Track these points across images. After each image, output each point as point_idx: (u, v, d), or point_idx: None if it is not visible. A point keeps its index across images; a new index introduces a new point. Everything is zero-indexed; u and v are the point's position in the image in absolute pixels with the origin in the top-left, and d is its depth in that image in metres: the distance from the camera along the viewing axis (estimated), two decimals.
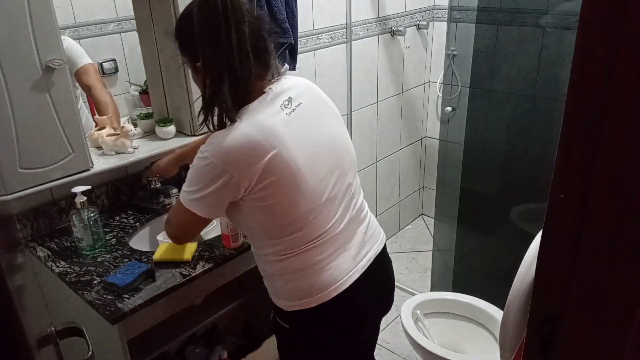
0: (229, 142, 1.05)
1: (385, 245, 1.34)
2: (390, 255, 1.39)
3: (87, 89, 1.73)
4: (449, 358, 1.70)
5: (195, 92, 1.71)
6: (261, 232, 1.16)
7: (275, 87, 1.14)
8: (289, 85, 1.16)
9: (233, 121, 1.08)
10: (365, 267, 1.23)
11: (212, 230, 1.62)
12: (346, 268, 1.19)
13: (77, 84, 1.71)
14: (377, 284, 1.30)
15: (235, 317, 2.04)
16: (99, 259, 1.45)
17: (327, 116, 1.21)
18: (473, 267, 2.51)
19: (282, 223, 1.12)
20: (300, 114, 1.13)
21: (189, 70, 1.21)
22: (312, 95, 1.20)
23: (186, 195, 1.12)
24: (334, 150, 1.18)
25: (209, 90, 1.09)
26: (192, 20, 1.07)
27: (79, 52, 1.71)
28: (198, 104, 1.71)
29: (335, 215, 1.17)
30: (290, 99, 1.14)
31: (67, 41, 1.65)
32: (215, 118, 1.12)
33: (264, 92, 1.13)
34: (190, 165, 1.11)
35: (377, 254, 1.28)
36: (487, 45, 2.28)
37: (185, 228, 1.20)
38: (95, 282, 1.35)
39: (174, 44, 1.16)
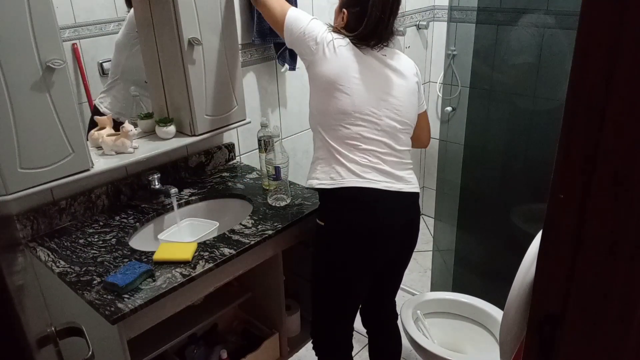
0: (337, 39, 1.48)
1: (417, 195, 1.57)
2: None
3: None
4: (448, 358, 1.71)
5: (196, 92, 1.71)
6: (318, 119, 1.51)
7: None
8: (392, 53, 1.57)
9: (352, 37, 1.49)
10: (389, 189, 1.48)
11: (212, 231, 1.63)
12: (375, 177, 1.48)
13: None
14: (403, 211, 1.54)
15: (235, 317, 2.04)
16: (99, 259, 1.45)
17: (406, 78, 1.53)
18: (473, 267, 2.51)
19: (331, 111, 1.46)
20: (384, 63, 1.50)
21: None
22: (405, 62, 1.56)
23: (295, 13, 1.53)
24: (396, 96, 1.49)
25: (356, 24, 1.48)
26: None
27: None
28: (198, 105, 1.72)
29: (374, 135, 1.47)
30: (385, 55, 1.52)
31: None
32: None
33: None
34: (317, 20, 1.52)
35: (402, 190, 1.51)
36: (487, 45, 2.28)
37: (275, 11, 1.57)
38: (95, 282, 1.35)
39: None
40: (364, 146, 1.47)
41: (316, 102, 1.51)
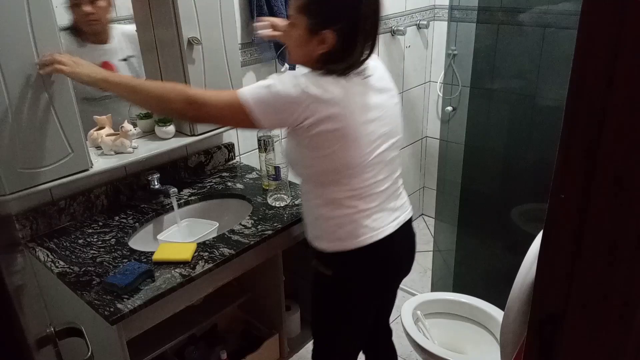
0: (326, 93, 1.17)
1: (411, 217, 1.47)
2: None
3: None
4: (449, 358, 1.70)
5: None
6: (318, 175, 1.29)
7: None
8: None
9: (330, 74, 1.20)
10: (397, 227, 1.37)
11: (212, 231, 1.62)
12: (386, 221, 1.34)
13: None
14: (405, 245, 1.46)
15: (235, 317, 2.04)
16: (98, 259, 1.45)
17: (390, 95, 1.35)
18: (473, 268, 2.51)
19: (338, 169, 1.25)
20: (371, 83, 1.27)
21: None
22: (379, 73, 1.33)
23: (250, 91, 1.19)
24: (391, 121, 1.32)
25: (336, 49, 1.20)
26: None
27: None
28: None
29: (380, 175, 1.31)
30: (366, 68, 1.27)
31: None
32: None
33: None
34: (275, 76, 1.21)
35: (406, 220, 1.42)
36: (488, 45, 2.28)
37: (225, 116, 1.24)
38: (94, 282, 1.34)
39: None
40: (372, 191, 1.30)
41: (316, 162, 1.26)
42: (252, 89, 1.20)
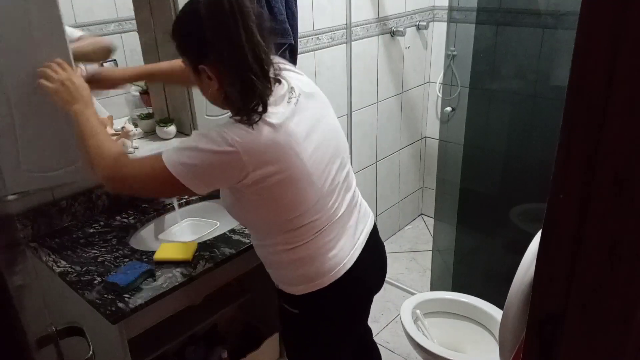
0: (258, 142, 1.05)
1: (375, 224, 1.39)
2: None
3: None
4: (448, 358, 1.70)
5: (196, 92, 1.71)
6: (272, 225, 1.18)
7: (280, 80, 1.15)
8: (287, 76, 1.18)
9: (254, 121, 1.06)
10: (363, 244, 1.30)
11: (213, 231, 1.63)
12: (349, 247, 1.25)
13: None
14: (374, 259, 1.37)
15: (235, 317, 2.04)
16: (100, 259, 1.45)
17: (325, 107, 1.24)
18: (473, 267, 2.51)
19: (294, 215, 1.14)
20: (303, 105, 1.15)
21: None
22: (309, 87, 1.22)
23: (176, 156, 1.06)
24: (333, 138, 1.22)
25: (230, 88, 1.07)
26: (200, 19, 1.03)
27: None
28: (198, 104, 1.72)
29: (337, 201, 1.22)
30: (292, 89, 1.15)
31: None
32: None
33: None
34: (198, 134, 1.08)
35: (369, 231, 1.34)
36: (487, 46, 2.28)
37: (154, 187, 1.13)
38: (96, 281, 1.35)
39: (172, 44, 1.13)
40: (331, 220, 1.20)
41: (268, 213, 1.15)
42: (176, 150, 1.07)
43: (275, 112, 1.09)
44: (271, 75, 1.11)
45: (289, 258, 1.21)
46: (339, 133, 1.25)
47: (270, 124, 1.07)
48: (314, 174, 1.13)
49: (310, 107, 1.17)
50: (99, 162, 1.15)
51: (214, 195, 1.83)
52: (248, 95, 1.06)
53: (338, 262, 1.23)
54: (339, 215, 1.23)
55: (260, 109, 1.06)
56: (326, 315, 1.29)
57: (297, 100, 1.14)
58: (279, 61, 1.19)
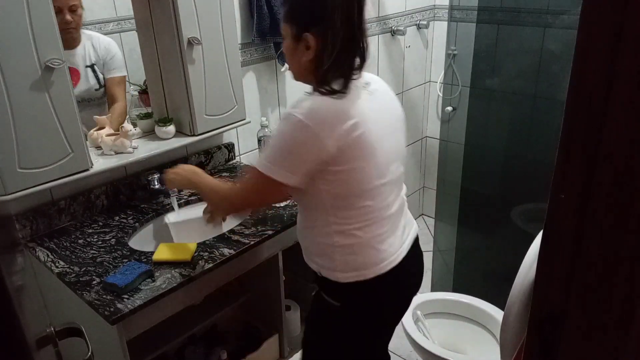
0: (320, 105, 1.09)
1: (417, 235, 1.41)
2: None
3: (111, 99, 1.75)
4: (449, 358, 1.70)
5: (196, 92, 1.71)
6: (329, 204, 1.19)
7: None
8: (364, 74, 1.23)
9: (335, 91, 1.10)
10: (408, 248, 1.32)
11: (212, 231, 1.62)
12: (397, 246, 1.27)
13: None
14: (416, 267, 1.40)
15: (235, 317, 2.04)
16: (99, 259, 1.45)
17: (396, 108, 1.29)
18: (473, 268, 2.51)
19: (354, 193, 1.17)
20: (378, 97, 1.21)
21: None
22: (384, 87, 1.28)
23: (263, 156, 1.14)
24: (397, 139, 1.26)
25: (331, 58, 1.11)
26: None
27: (119, 62, 1.75)
28: (198, 104, 1.72)
29: (391, 196, 1.24)
30: (368, 83, 1.21)
31: (113, 45, 1.70)
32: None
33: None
34: (276, 130, 1.13)
35: (414, 238, 1.37)
36: (488, 45, 2.28)
37: (261, 196, 1.22)
38: (94, 282, 1.34)
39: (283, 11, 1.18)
40: (384, 214, 1.23)
41: (330, 184, 1.16)
42: (262, 152, 1.16)
43: (353, 89, 1.14)
44: (357, 57, 1.16)
45: (341, 242, 1.22)
46: (403, 137, 1.29)
47: (349, 98, 1.11)
48: (379, 155, 1.16)
49: (386, 100, 1.24)
50: (223, 206, 1.31)
51: None
52: (340, 69, 1.12)
53: (386, 257, 1.24)
54: (391, 211, 1.25)
55: (342, 86, 1.11)
56: (368, 309, 1.29)
57: (373, 92, 1.20)
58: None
